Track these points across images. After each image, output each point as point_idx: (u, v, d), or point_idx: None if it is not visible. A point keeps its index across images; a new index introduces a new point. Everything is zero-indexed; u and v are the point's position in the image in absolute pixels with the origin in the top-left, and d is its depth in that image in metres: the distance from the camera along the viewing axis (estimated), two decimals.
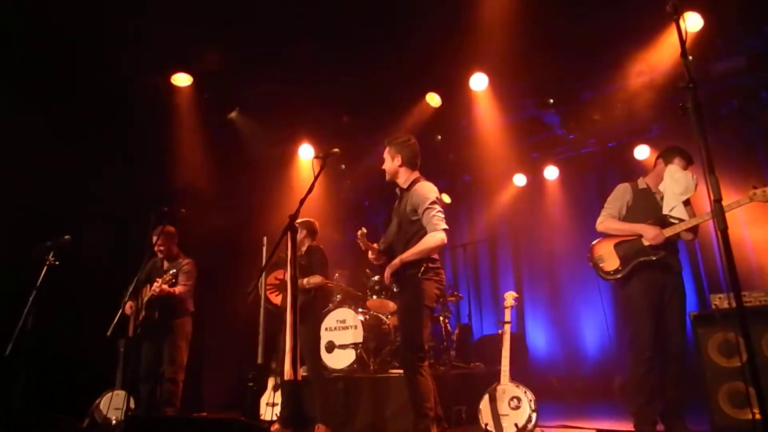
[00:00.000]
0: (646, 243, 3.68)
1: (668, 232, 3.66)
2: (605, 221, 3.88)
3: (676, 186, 3.71)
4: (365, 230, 3.47)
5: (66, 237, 4.28)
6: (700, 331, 3.87)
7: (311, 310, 4.59)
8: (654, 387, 3.58)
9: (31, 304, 3.98)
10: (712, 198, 1.86)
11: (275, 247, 2.71)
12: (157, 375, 4.88)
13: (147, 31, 4.92)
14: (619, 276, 3.74)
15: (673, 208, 3.69)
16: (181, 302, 4.95)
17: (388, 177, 3.63)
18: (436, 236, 3.30)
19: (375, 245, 3.61)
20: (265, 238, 4.46)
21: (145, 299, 4.76)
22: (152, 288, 4.63)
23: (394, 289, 3.50)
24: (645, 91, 6.34)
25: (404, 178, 3.59)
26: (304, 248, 4.72)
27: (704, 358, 3.79)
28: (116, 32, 4.88)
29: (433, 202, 3.38)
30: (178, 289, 4.83)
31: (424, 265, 3.33)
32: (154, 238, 4.93)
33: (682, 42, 2.12)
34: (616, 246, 3.80)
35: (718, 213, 1.83)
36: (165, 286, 4.65)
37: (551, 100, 6.67)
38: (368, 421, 4.81)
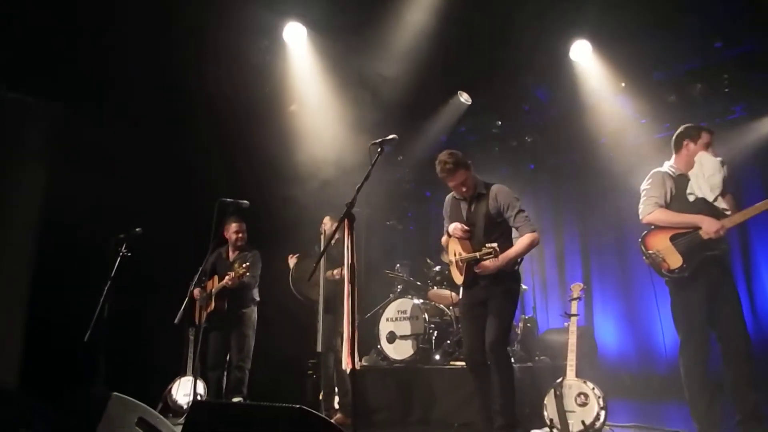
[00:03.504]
0: (705, 236, 3.39)
1: (728, 223, 3.37)
2: (655, 211, 3.55)
3: (715, 174, 3.46)
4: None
5: (137, 229, 4.49)
6: None
7: (340, 301, 4.55)
8: (715, 388, 3.37)
9: (106, 293, 4.21)
10: None
11: (332, 234, 2.70)
12: (224, 363, 5.04)
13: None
14: (685, 275, 3.43)
15: (717, 198, 3.44)
16: (248, 292, 5.08)
17: (472, 191, 3.68)
18: (534, 237, 3.55)
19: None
20: (324, 227, 4.50)
21: (215, 290, 4.93)
22: (225, 280, 4.77)
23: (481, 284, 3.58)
24: (728, 67, 5.93)
25: (480, 182, 3.73)
26: (334, 241, 4.72)
27: None
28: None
29: (521, 204, 3.63)
30: (246, 278, 4.94)
31: (518, 264, 3.65)
32: (233, 227, 5.09)
33: None
34: (672, 240, 3.48)
35: None
36: (236, 279, 4.76)
37: (623, 84, 6.34)
38: (429, 413, 4.77)
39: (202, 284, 4.47)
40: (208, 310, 4.95)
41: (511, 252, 3.54)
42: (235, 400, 4.81)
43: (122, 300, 4.39)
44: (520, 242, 3.56)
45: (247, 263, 4.82)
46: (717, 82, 6.04)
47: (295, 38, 5.83)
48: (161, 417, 2.45)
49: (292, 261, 5.02)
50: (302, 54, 5.98)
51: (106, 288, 4.28)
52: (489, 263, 3.45)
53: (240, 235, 5.16)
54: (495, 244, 3.33)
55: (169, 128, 5.66)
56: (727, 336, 3.40)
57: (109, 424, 2.28)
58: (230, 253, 5.22)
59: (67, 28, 4.84)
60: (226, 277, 4.77)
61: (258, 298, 5.18)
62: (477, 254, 3.40)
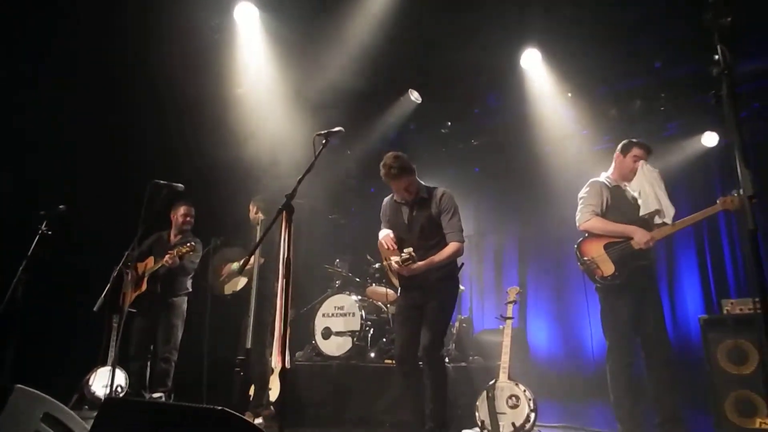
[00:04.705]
0: (636, 246, 3.53)
1: (658, 235, 3.55)
2: (592, 219, 3.69)
3: (656, 184, 3.65)
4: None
5: (60, 206, 4.19)
6: (710, 337, 3.74)
7: (257, 291, 4.45)
8: (638, 391, 3.54)
9: (21, 273, 3.89)
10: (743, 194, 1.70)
11: (268, 227, 2.59)
12: (148, 354, 4.80)
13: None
14: (617, 282, 3.58)
15: (658, 210, 3.64)
16: (183, 279, 4.90)
17: (414, 196, 3.64)
18: (458, 247, 3.54)
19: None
20: (260, 215, 4.34)
21: (149, 270, 4.70)
22: (165, 257, 4.58)
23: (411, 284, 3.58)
24: (665, 87, 6.19)
25: (422, 186, 3.71)
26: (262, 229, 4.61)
27: (713, 365, 3.66)
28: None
29: (458, 211, 3.63)
30: (186, 260, 4.78)
31: (459, 268, 3.67)
32: (181, 210, 4.92)
33: (718, 26, 1.96)
34: (606, 248, 3.62)
35: (748, 211, 1.68)
36: (177, 258, 4.59)
37: (569, 94, 6.50)
38: (361, 411, 4.71)
39: (128, 266, 4.22)
40: (137, 292, 4.70)
41: (435, 258, 3.50)
42: (158, 394, 4.60)
43: (39, 282, 4.07)
44: (445, 250, 3.53)
45: (192, 243, 4.66)
46: (654, 100, 6.31)
47: (247, 19, 5.61)
48: (71, 412, 2.26)
49: (226, 269, 4.86)
50: (253, 36, 5.76)
51: (20, 268, 3.95)
52: (407, 268, 3.40)
53: (188, 218, 5.00)
54: (410, 249, 3.34)
55: (105, 102, 5.31)
56: (651, 342, 3.57)
57: (10, 420, 2.08)
58: (172, 237, 5.02)
59: None
60: (167, 255, 4.58)
61: (190, 289, 4.99)
62: (398, 259, 3.39)
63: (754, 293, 1.58)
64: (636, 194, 3.76)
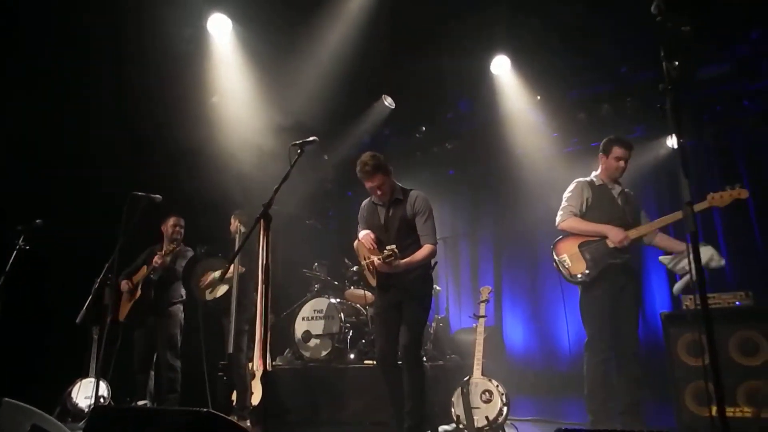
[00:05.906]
0: (611, 245, 3.65)
1: (633, 234, 3.67)
2: (568, 219, 3.80)
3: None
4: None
5: (38, 221, 4.21)
6: (671, 331, 3.89)
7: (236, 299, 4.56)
8: (611, 385, 3.66)
9: None
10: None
11: (246, 236, 2.68)
12: (151, 366, 4.91)
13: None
14: (588, 280, 3.69)
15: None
16: (176, 284, 5.00)
17: (389, 196, 3.74)
18: (432, 249, 3.65)
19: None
20: (240, 227, 4.43)
21: (141, 279, 4.84)
22: (155, 258, 4.72)
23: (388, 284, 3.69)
24: (631, 91, 6.43)
25: (397, 188, 3.81)
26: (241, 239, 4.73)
27: (673, 358, 3.83)
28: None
29: (432, 214, 3.72)
30: (175, 254, 4.92)
31: (431, 269, 3.75)
32: (171, 221, 5.01)
33: (664, 44, 2.12)
34: (581, 247, 3.73)
35: (688, 215, 1.84)
36: (167, 258, 4.73)
37: (538, 97, 6.70)
38: (342, 412, 4.81)
39: (110, 278, 4.27)
40: (132, 300, 4.81)
41: (414, 258, 3.60)
42: (172, 399, 4.73)
43: (18, 297, 4.08)
44: (419, 252, 3.63)
45: (179, 239, 4.84)
46: (621, 103, 6.52)
47: (220, 30, 5.69)
48: (58, 423, 2.33)
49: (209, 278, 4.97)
50: (226, 46, 5.84)
51: None
52: (389, 265, 3.48)
53: (178, 228, 5.08)
54: (393, 246, 3.41)
55: (81, 114, 5.33)
56: (621, 338, 3.69)
57: None
58: (164, 248, 5.08)
59: None
60: (156, 256, 4.73)
61: (184, 297, 5.07)
62: (380, 256, 3.48)
63: (694, 290, 1.73)
64: (617, 194, 3.85)
